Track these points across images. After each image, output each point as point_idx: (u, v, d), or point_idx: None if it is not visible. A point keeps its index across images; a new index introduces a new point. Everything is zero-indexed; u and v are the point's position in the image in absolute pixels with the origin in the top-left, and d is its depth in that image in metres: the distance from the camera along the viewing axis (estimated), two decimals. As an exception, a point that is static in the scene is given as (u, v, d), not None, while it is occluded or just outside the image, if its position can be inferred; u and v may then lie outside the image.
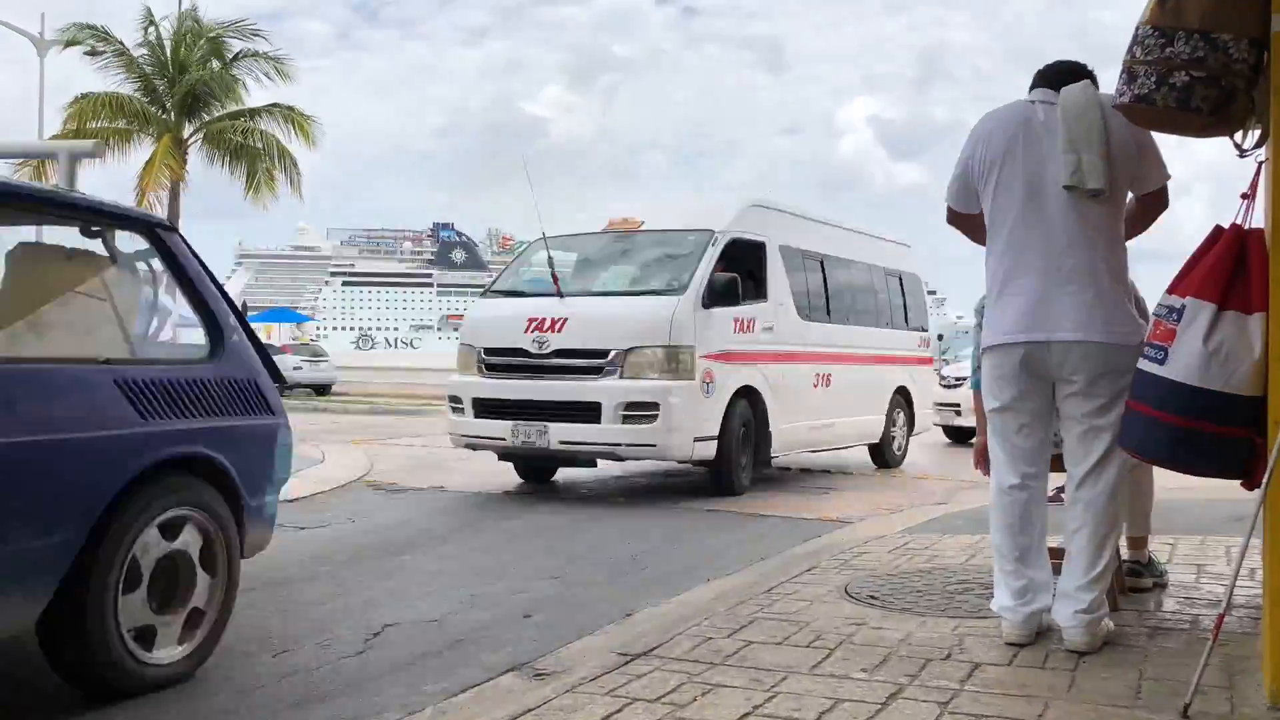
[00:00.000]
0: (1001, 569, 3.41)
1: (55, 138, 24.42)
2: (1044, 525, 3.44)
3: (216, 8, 34.35)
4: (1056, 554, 3.89)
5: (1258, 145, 2.97)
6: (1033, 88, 3.45)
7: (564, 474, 9.49)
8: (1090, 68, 3.44)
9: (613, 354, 7.60)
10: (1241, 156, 2.99)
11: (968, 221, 3.55)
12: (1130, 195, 3.39)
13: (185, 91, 24.99)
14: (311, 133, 25.47)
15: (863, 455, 11.12)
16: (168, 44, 25.42)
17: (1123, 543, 4.14)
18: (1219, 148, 2.99)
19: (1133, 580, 4.11)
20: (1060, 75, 3.38)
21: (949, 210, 3.58)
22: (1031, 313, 3.25)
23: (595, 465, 8.42)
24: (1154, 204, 3.41)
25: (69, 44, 24.94)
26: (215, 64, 25.60)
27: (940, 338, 18.26)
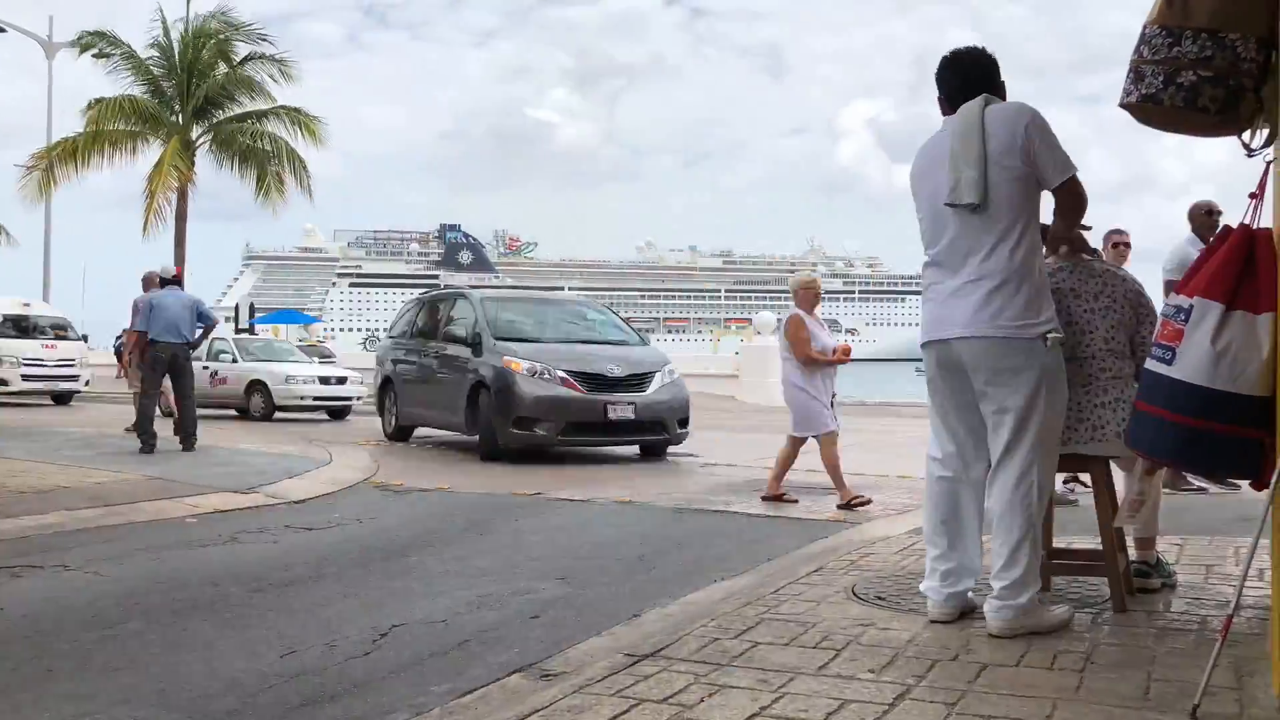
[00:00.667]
0: (929, 551, 3.71)
1: (70, 141, 24.55)
2: (977, 511, 3.66)
3: (230, 5, 34.38)
4: (1061, 555, 3.89)
5: (1266, 145, 2.96)
6: (949, 104, 3.59)
7: (569, 474, 9.50)
8: (988, 58, 3.57)
9: None
10: (1249, 156, 2.98)
11: None
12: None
13: (197, 94, 25.05)
14: (318, 133, 25.54)
15: (864, 456, 11.10)
16: (177, 46, 25.49)
17: (1131, 544, 4.14)
18: (1225, 147, 2.99)
19: (1141, 581, 4.08)
20: (970, 96, 3.49)
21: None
22: (938, 316, 3.54)
23: None
24: (1064, 198, 3.48)
25: (84, 48, 25.02)
26: (223, 66, 25.68)
27: None
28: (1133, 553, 4.11)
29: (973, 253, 3.42)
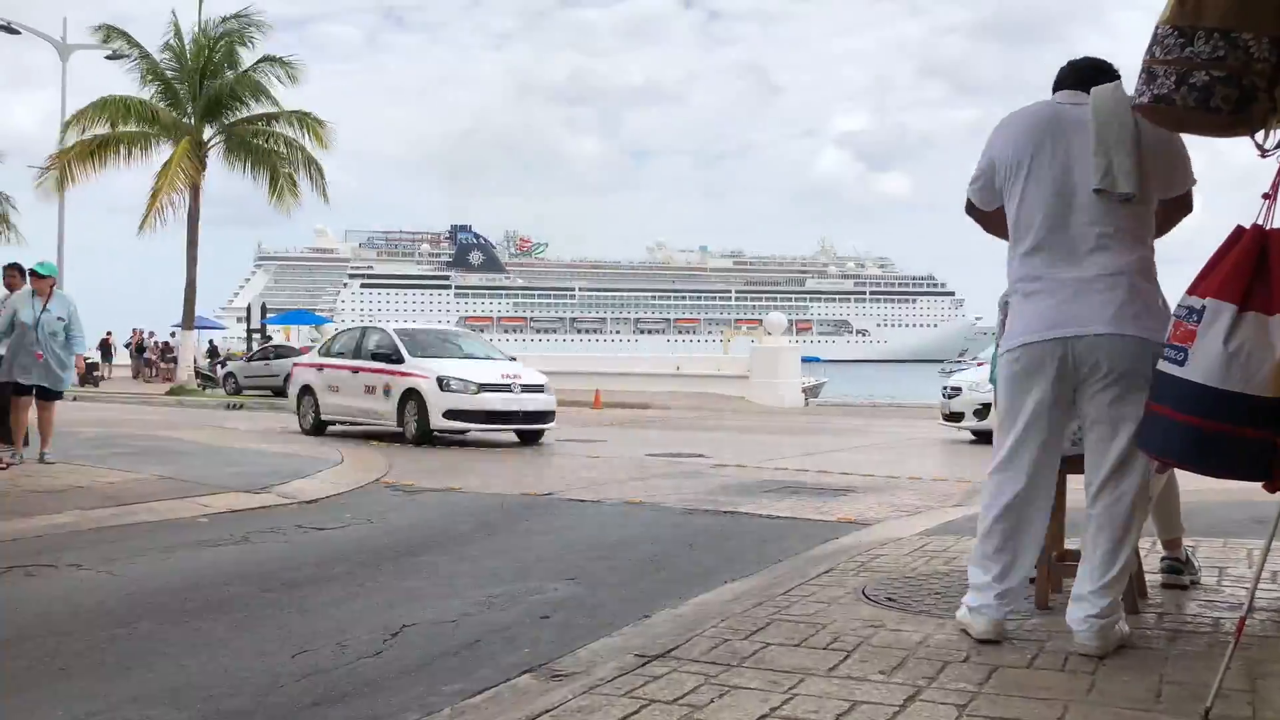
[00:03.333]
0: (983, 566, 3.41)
1: (80, 142, 24.67)
2: (1041, 527, 3.41)
3: (232, 11, 34.63)
4: (1073, 556, 3.87)
5: (1279, 145, 2.95)
6: (1058, 87, 3.41)
7: (579, 476, 9.51)
8: (1117, 69, 3.41)
9: None
10: (1263, 156, 2.96)
11: (987, 217, 3.54)
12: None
13: (210, 95, 25.16)
14: (325, 137, 25.59)
15: (874, 457, 11.08)
16: (190, 48, 25.60)
17: (1158, 544, 4.15)
18: (1239, 148, 2.97)
19: (1173, 578, 4.14)
20: (1089, 75, 3.35)
21: (968, 203, 3.56)
22: (1059, 311, 3.22)
23: None
24: (1177, 208, 3.40)
25: (105, 39, 25.12)
26: (235, 68, 25.78)
27: (963, 353, 18.46)
28: (1161, 551, 4.14)
29: (1104, 248, 3.19)
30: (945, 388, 14.51)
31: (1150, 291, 3.25)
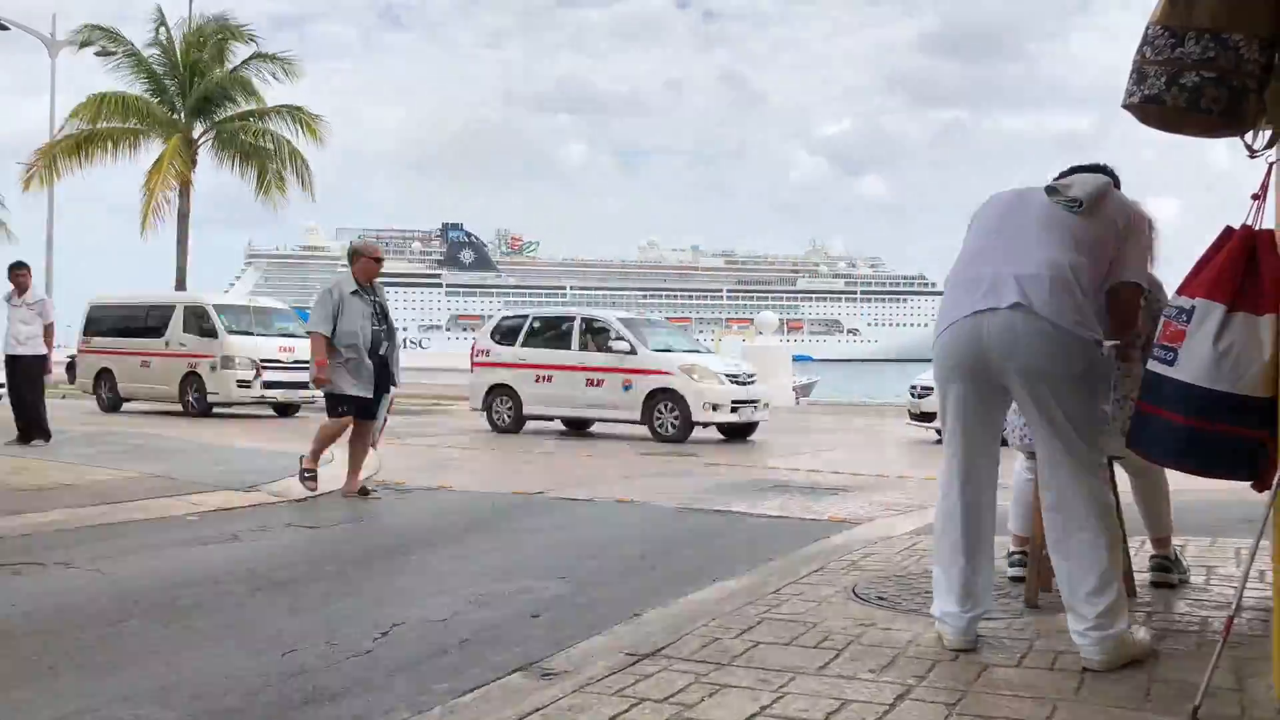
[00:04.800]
0: (946, 571, 3.36)
1: (68, 137, 24.57)
2: (993, 530, 3.40)
3: (235, 10, 34.56)
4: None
5: (1268, 146, 2.96)
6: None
7: (571, 474, 9.50)
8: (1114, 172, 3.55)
9: None
10: (1252, 157, 2.98)
11: None
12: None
13: (199, 93, 25.09)
14: (319, 131, 25.55)
15: (870, 456, 11.10)
16: (178, 45, 25.52)
17: (1147, 543, 4.16)
18: (1229, 148, 2.99)
19: (1162, 576, 4.17)
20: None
21: None
22: (984, 289, 3.17)
23: None
24: (1120, 304, 3.27)
25: (83, 44, 25.05)
26: (224, 66, 25.71)
27: None
28: (1150, 550, 4.16)
29: (1044, 244, 3.21)
30: (914, 387, 13.64)
31: (1081, 302, 3.12)
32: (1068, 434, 3.14)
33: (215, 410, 16.62)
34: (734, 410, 12.44)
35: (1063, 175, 3.50)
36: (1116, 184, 3.48)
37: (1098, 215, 3.25)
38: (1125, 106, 3.06)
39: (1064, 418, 3.13)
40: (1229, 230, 2.97)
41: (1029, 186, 3.46)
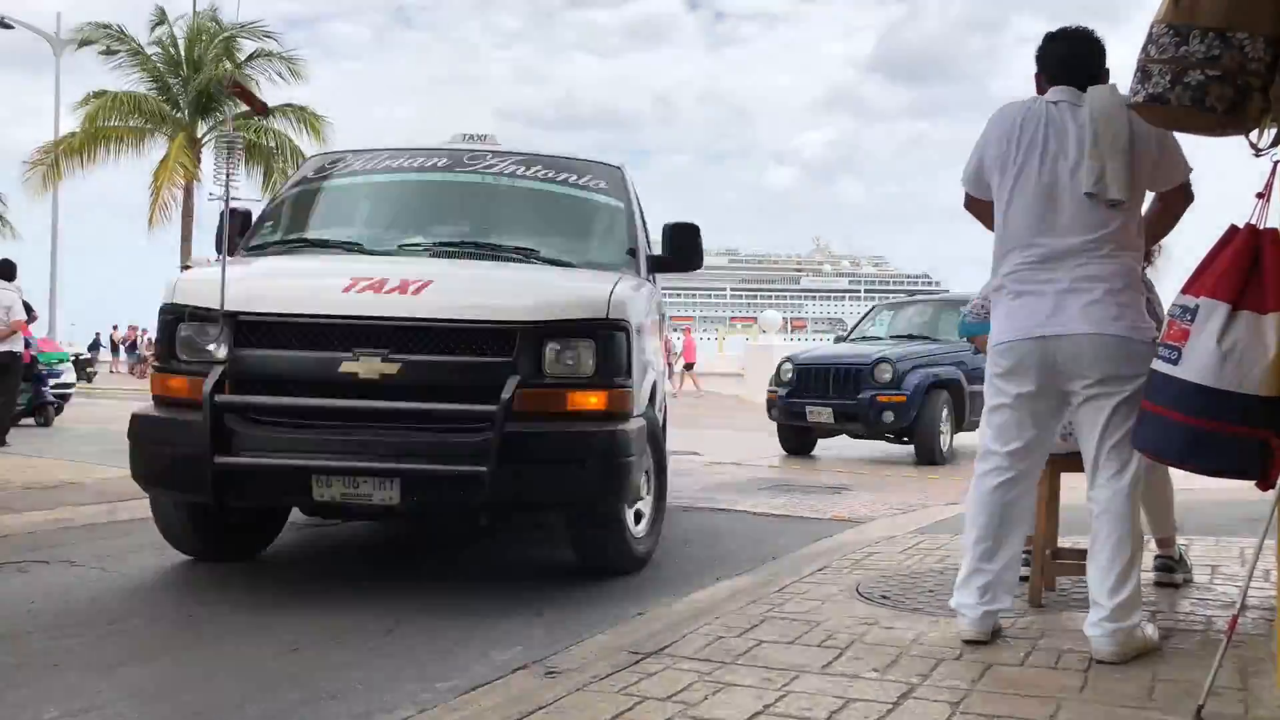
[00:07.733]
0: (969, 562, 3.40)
1: (72, 136, 24.61)
2: (1025, 522, 3.43)
3: (242, 9, 34.58)
4: (1068, 554, 3.88)
5: (1273, 144, 2.95)
6: (1051, 81, 3.36)
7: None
8: (1103, 44, 3.41)
9: None
10: (1257, 156, 2.97)
11: (985, 208, 3.49)
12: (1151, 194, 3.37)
13: (199, 90, 25.13)
14: (322, 131, 25.60)
15: (865, 455, 11.08)
16: (181, 43, 25.56)
17: (1151, 542, 4.15)
18: (1233, 147, 2.98)
19: (1166, 576, 4.16)
20: (1080, 73, 3.32)
21: (966, 196, 3.54)
22: (1043, 312, 3.22)
23: None
24: (1176, 200, 3.38)
25: (83, 43, 25.10)
26: (227, 64, 25.72)
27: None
28: (1154, 550, 4.15)
29: (1090, 250, 3.19)
30: None
31: (1132, 296, 3.23)
32: (1125, 443, 3.20)
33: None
34: None
35: (1051, 73, 3.36)
36: (1102, 67, 3.36)
37: (1138, 181, 3.22)
38: (1129, 105, 3.06)
39: (1122, 420, 3.18)
40: (1233, 229, 2.96)
41: (1051, 115, 3.26)
